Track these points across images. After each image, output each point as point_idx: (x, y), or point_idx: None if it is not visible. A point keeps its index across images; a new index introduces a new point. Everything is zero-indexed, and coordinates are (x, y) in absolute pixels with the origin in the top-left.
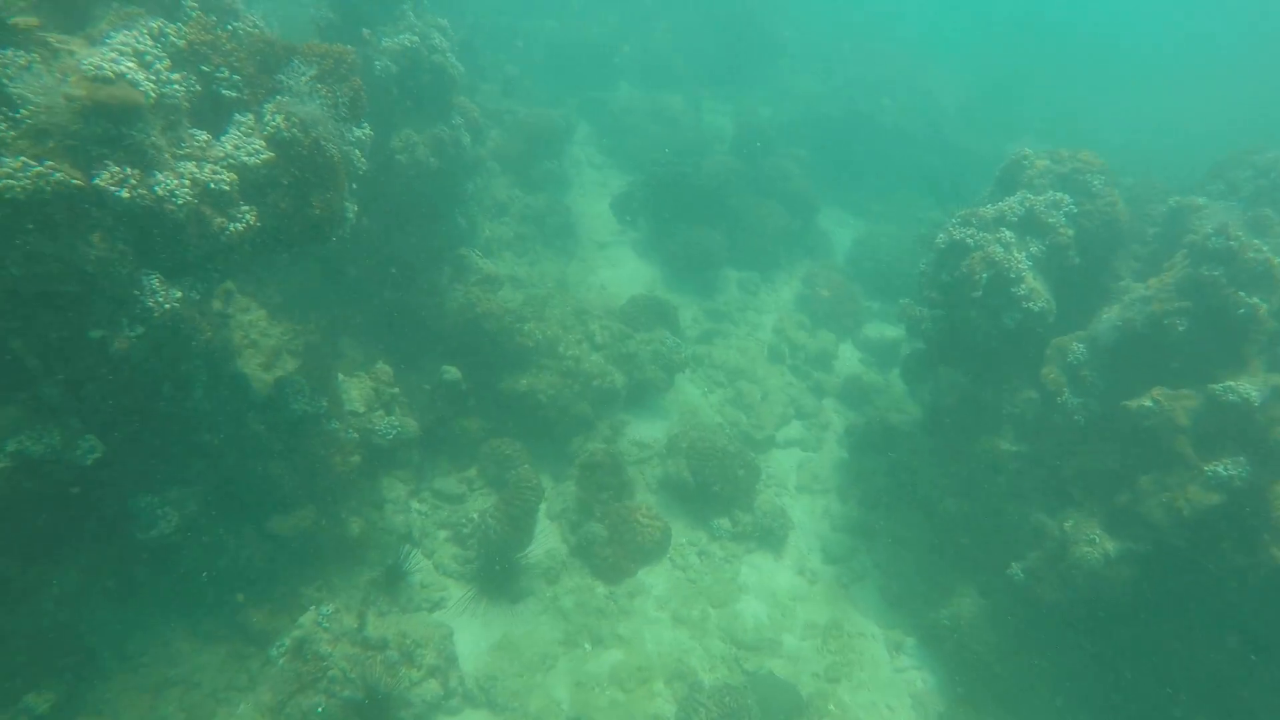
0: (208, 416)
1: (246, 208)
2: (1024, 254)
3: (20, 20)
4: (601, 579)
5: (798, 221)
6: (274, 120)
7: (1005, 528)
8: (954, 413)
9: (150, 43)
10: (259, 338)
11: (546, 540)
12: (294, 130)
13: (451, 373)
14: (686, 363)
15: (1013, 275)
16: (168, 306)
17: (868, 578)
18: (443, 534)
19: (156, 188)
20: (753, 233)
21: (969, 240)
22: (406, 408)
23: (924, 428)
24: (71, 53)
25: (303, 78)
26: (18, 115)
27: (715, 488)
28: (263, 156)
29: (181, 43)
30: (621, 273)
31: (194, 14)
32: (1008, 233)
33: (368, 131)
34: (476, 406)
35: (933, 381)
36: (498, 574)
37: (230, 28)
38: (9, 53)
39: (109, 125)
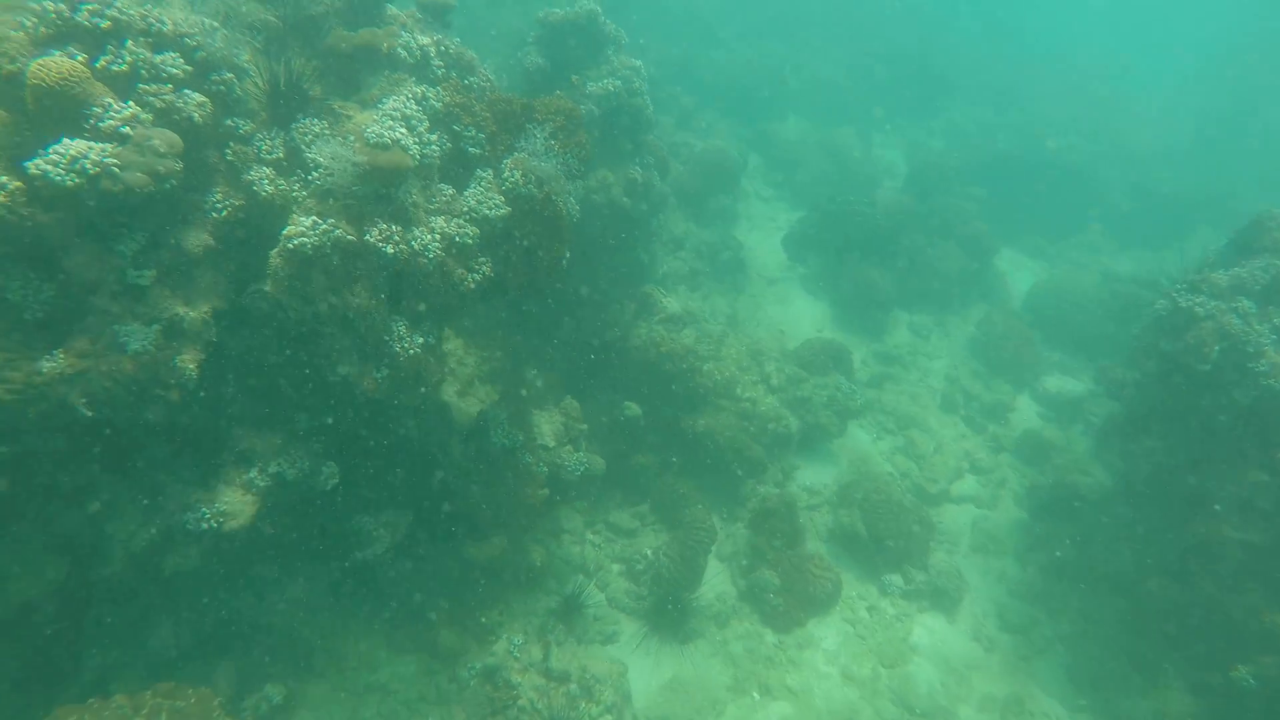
0: (417, 443)
1: (483, 259)
2: (1266, 326)
3: (315, 89)
4: (771, 627)
5: (974, 263)
6: (512, 176)
7: (1226, 623)
8: (1155, 485)
9: (415, 107)
10: (456, 366)
11: (716, 582)
12: (530, 186)
13: (633, 409)
14: (861, 410)
15: (1251, 349)
16: (412, 352)
17: (1051, 652)
18: (616, 567)
19: (413, 242)
20: (926, 274)
21: (1198, 309)
22: (590, 442)
23: (1119, 497)
24: (349, 117)
25: (540, 136)
26: (310, 177)
27: (889, 542)
28: (501, 210)
29: (439, 105)
30: (790, 310)
31: (439, 70)
32: (1246, 302)
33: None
34: (653, 443)
35: (1132, 449)
36: (669, 613)
37: (468, 82)
38: (308, 121)
39: (381, 186)
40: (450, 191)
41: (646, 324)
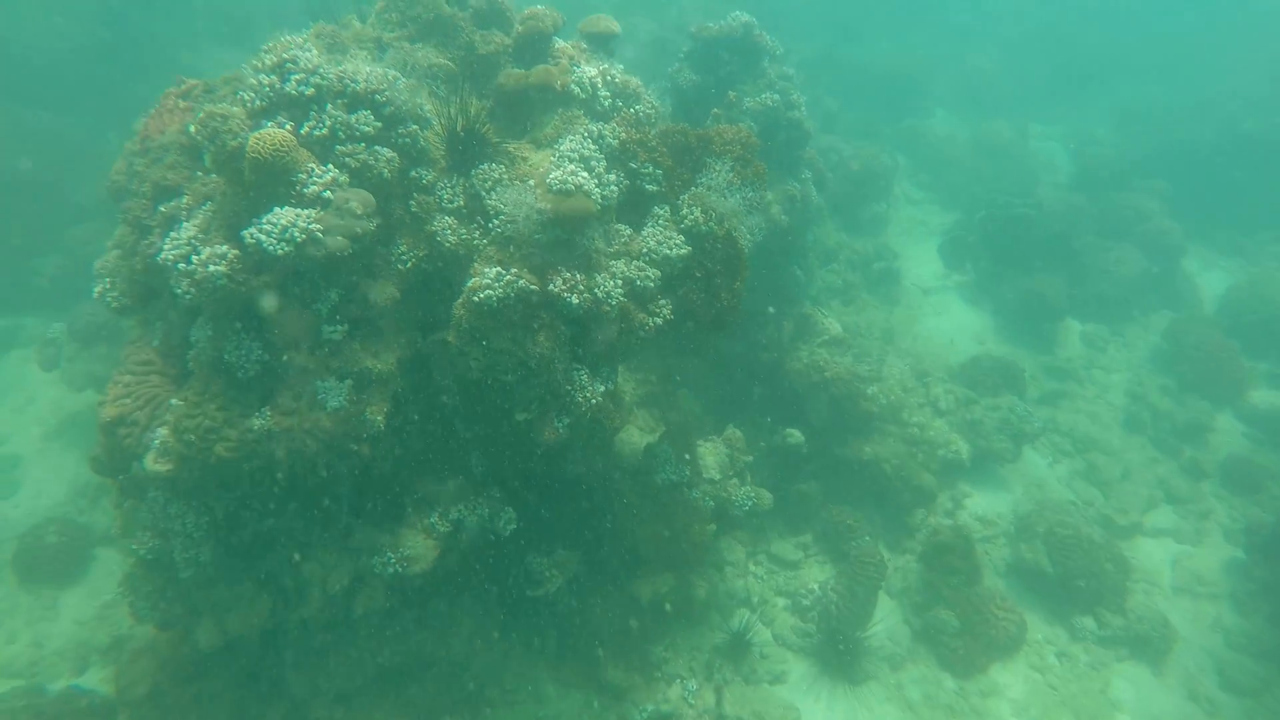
0: (585, 480)
1: (664, 301)
2: None
3: (489, 131)
4: (949, 671)
5: (1155, 266)
6: (692, 214)
7: None
8: None
9: (592, 147)
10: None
11: (887, 619)
12: (711, 224)
13: (795, 437)
14: (1037, 434)
15: None
16: (594, 401)
17: None
18: (780, 602)
19: (596, 290)
20: (1100, 279)
21: None
22: (750, 470)
23: None
24: (524, 158)
25: (722, 172)
26: (491, 225)
27: (1079, 582)
28: (681, 251)
29: (615, 142)
30: (948, 321)
31: (606, 101)
32: None
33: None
34: (814, 470)
35: None
36: (839, 653)
37: (634, 110)
38: (487, 166)
39: (564, 233)
40: (628, 232)
41: (807, 347)
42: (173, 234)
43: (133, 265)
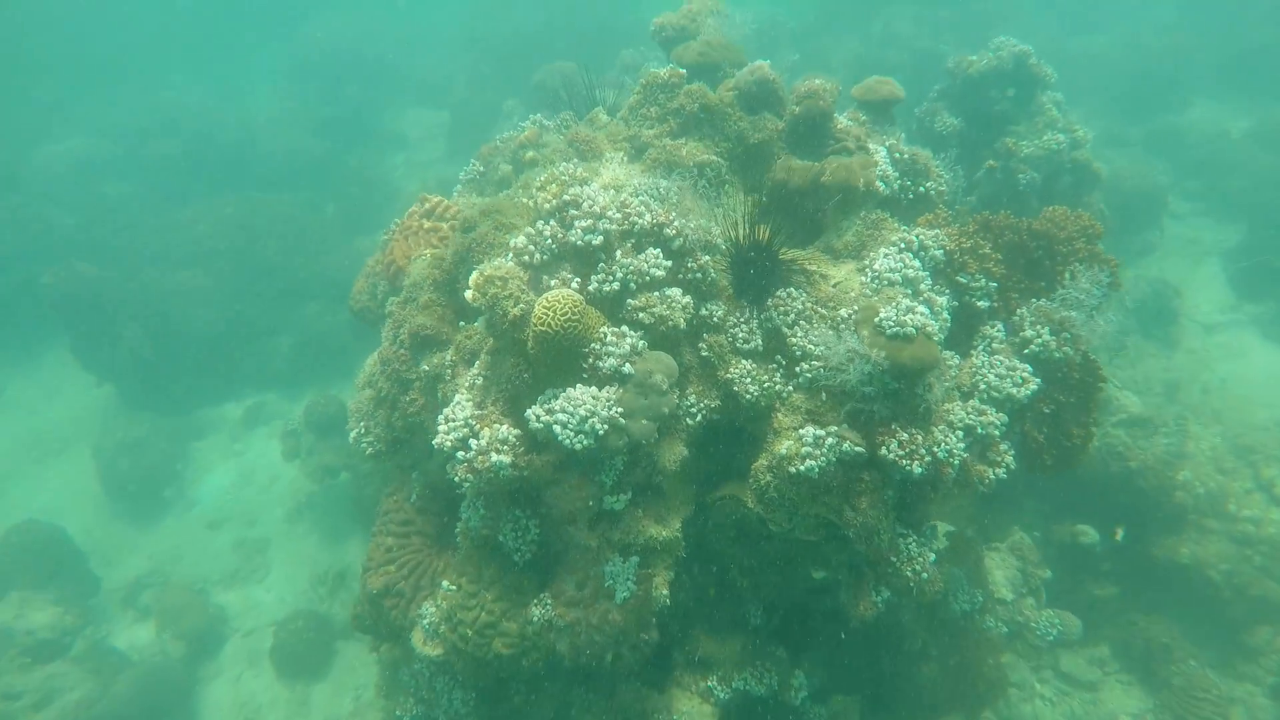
0: (874, 624)
1: (1005, 447)
2: None
3: (796, 255)
4: None
5: None
6: (1039, 336)
7: None
8: None
9: (914, 264)
10: None
11: None
12: (1065, 348)
13: (1089, 535)
14: None
15: None
16: (925, 576)
17: None
18: None
19: (938, 449)
20: None
21: None
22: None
23: None
24: (824, 275)
25: (1085, 282)
26: (800, 369)
27: None
28: (1030, 389)
29: (940, 253)
30: (1249, 368)
31: (895, 183)
32: None
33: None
34: (1108, 571)
35: None
36: None
37: (923, 189)
38: (785, 293)
39: (897, 383)
40: (955, 361)
41: (1101, 428)
42: (446, 414)
43: (392, 419)
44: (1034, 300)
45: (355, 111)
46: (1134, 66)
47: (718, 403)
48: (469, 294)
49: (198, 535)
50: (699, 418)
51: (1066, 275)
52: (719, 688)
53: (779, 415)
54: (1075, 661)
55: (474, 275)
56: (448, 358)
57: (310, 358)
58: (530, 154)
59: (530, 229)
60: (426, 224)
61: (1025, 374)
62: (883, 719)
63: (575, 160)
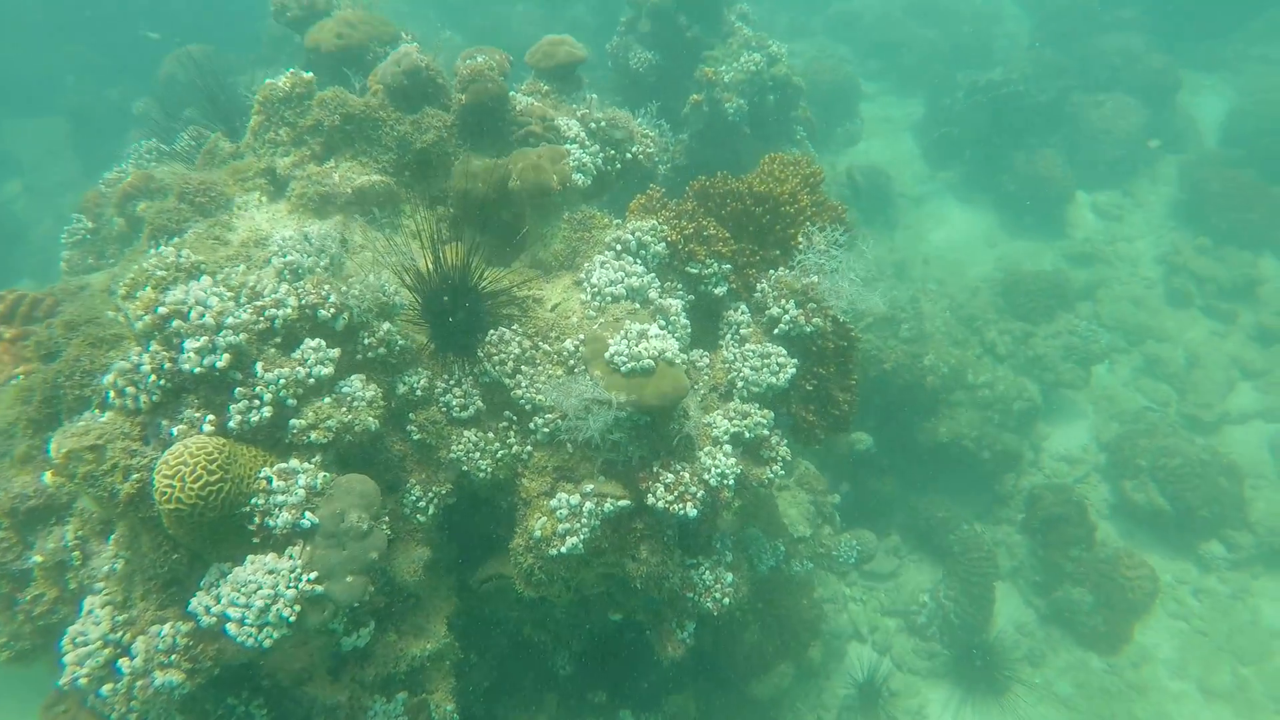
0: None
1: (776, 440)
2: None
3: (501, 276)
4: (1094, 650)
5: (1150, 109)
6: (785, 311)
7: None
8: None
9: (637, 269)
10: None
11: (1007, 609)
12: (815, 319)
13: (864, 441)
14: (1106, 352)
15: None
16: (726, 601)
17: None
18: (891, 623)
19: (709, 476)
20: (1096, 140)
21: None
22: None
23: None
24: (536, 299)
25: (821, 243)
26: (533, 427)
27: (1203, 513)
28: (788, 373)
29: (662, 248)
30: (953, 232)
31: (595, 156)
32: None
33: None
34: (886, 465)
35: None
36: (976, 667)
37: (630, 155)
38: (495, 335)
39: (648, 419)
40: (706, 361)
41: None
42: (73, 634)
43: (20, 628)
44: (772, 272)
45: None
46: None
47: (449, 486)
48: (48, 476)
49: None
50: (430, 510)
51: (800, 238)
52: None
53: (525, 481)
54: (875, 558)
55: (53, 444)
56: (68, 534)
57: None
58: (143, 205)
59: (124, 363)
60: (7, 333)
61: (781, 358)
62: (719, 699)
63: (195, 218)
